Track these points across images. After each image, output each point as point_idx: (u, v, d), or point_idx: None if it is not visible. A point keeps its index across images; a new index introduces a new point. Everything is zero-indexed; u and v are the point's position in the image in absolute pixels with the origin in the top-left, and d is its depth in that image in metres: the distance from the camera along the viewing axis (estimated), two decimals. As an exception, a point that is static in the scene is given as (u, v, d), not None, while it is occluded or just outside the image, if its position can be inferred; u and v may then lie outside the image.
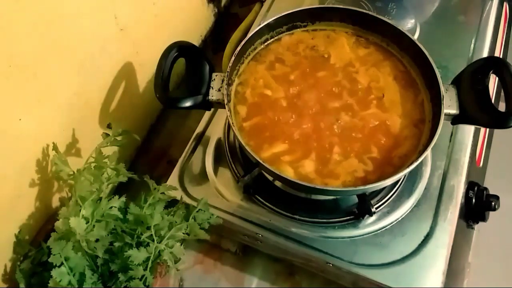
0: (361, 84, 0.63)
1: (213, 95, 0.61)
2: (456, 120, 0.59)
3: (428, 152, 0.55)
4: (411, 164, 0.54)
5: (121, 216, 0.55)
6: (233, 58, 0.61)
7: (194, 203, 0.61)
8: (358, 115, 0.61)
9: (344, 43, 0.67)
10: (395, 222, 0.62)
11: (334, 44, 0.67)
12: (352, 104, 0.62)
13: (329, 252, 0.60)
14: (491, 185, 0.71)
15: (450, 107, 0.58)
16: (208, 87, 0.61)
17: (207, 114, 0.72)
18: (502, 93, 0.57)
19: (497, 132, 0.84)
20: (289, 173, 0.57)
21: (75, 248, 0.51)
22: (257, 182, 0.63)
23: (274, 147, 0.59)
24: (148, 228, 0.54)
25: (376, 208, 0.61)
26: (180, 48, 0.62)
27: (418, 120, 0.61)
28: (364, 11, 0.66)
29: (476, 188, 0.68)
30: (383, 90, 0.63)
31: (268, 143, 0.59)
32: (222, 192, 0.65)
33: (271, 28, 0.66)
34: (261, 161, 0.54)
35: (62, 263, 0.50)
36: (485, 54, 0.77)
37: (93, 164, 0.58)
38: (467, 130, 0.69)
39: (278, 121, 0.61)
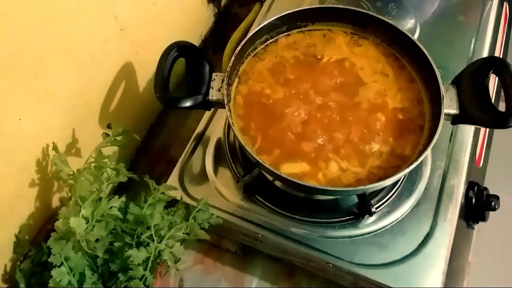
0: (362, 81, 0.64)
1: (213, 95, 0.61)
2: (456, 120, 0.59)
3: (428, 152, 0.55)
4: (411, 164, 0.54)
5: (121, 216, 0.55)
6: (233, 58, 0.61)
7: (194, 203, 0.61)
8: (363, 109, 0.62)
9: (341, 41, 0.67)
10: (395, 222, 0.62)
11: (331, 42, 0.67)
12: (355, 99, 0.62)
13: (329, 252, 0.60)
14: (491, 185, 0.71)
15: (450, 107, 0.58)
16: (208, 87, 0.61)
17: (207, 114, 0.72)
18: (502, 93, 0.57)
19: (497, 132, 0.84)
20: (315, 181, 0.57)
21: (75, 248, 0.51)
22: (257, 182, 0.63)
23: (289, 162, 0.59)
24: (148, 228, 0.54)
25: (376, 208, 0.61)
26: (180, 48, 0.62)
27: (419, 100, 0.62)
28: (364, 11, 0.66)
29: (476, 188, 0.68)
30: (384, 88, 0.63)
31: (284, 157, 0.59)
32: (222, 192, 0.65)
33: (271, 28, 0.66)
34: (261, 161, 0.55)
35: (62, 263, 0.50)
36: (485, 54, 0.77)
37: (93, 164, 0.58)
38: (467, 130, 0.69)
39: (284, 126, 0.60)
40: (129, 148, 0.78)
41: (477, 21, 0.81)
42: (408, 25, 0.79)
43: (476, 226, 0.71)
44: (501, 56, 0.85)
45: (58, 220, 0.53)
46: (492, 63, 0.59)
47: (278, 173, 0.54)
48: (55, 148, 0.57)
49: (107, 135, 0.61)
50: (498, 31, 0.83)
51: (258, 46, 0.67)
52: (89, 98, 0.64)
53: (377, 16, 0.65)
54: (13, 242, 0.57)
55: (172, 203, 0.60)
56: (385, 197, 0.63)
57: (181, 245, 0.55)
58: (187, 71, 0.63)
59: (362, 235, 0.61)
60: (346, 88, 0.63)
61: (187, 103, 0.60)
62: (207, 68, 0.62)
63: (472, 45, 0.78)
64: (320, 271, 0.65)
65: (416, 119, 0.61)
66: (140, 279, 0.52)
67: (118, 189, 0.71)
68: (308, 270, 0.66)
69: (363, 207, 0.60)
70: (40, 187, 0.59)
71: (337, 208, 0.64)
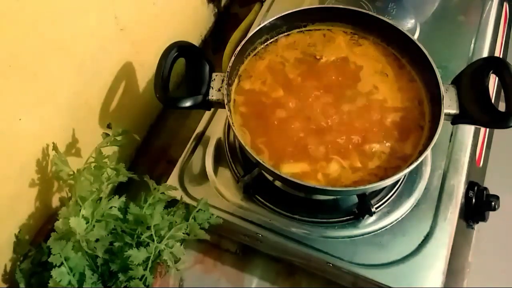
0: (362, 80, 0.64)
1: (213, 95, 0.61)
2: (456, 120, 0.59)
3: (428, 152, 0.55)
4: (411, 164, 0.54)
5: (121, 216, 0.55)
6: (233, 58, 0.61)
7: (194, 203, 0.61)
8: (363, 108, 0.62)
9: (341, 41, 0.67)
10: (395, 222, 0.62)
11: (331, 42, 0.67)
12: (356, 98, 0.62)
13: (329, 252, 0.60)
14: (491, 185, 0.71)
15: (450, 107, 0.58)
16: (208, 87, 0.61)
17: (207, 114, 0.72)
18: (502, 93, 0.57)
19: (497, 132, 0.84)
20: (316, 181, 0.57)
21: (75, 248, 0.51)
22: (257, 182, 0.63)
23: (293, 162, 0.59)
24: (148, 228, 0.54)
25: (376, 208, 0.61)
26: (180, 48, 0.62)
27: (419, 100, 0.62)
28: (364, 11, 0.66)
29: (476, 188, 0.68)
30: (383, 91, 0.63)
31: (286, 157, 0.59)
32: (222, 192, 0.65)
33: (271, 28, 0.66)
34: (261, 161, 0.54)
35: (62, 263, 0.50)
36: (485, 54, 0.77)
37: (93, 164, 0.58)
38: (467, 130, 0.69)
39: (283, 125, 0.60)
40: (129, 148, 0.78)
41: (477, 21, 0.81)
42: (408, 25, 0.79)
43: (476, 226, 0.71)
44: (501, 56, 0.85)
45: (58, 220, 0.52)
46: (492, 63, 0.59)
47: (278, 173, 0.54)
48: (55, 148, 0.57)
49: (107, 135, 0.61)
50: (498, 31, 0.83)
51: (258, 46, 0.67)
52: (89, 98, 0.64)
53: (377, 16, 0.65)
54: (13, 242, 0.57)
55: (172, 203, 0.60)
56: (385, 197, 0.63)
57: (181, 245, 0.55)
58: (187, 71, 0.63)
59: (362, 235, 0.61)
60: (346, 88, 0.63)
61: (187, 103, 0.60)
62: (207, 68, 0.62)
63: (472, 45, 0.78)
64: (320, 271, 0.65)
65: (416, 119, 0.61)
66: (140, 279, 0.52)
67: (118, 189, 0.71)
68: (308, 270, 0.66)
69: (363, 207, 0.60)
70: (40, 187, 0.59)
71: (337, 208, 0.64)
